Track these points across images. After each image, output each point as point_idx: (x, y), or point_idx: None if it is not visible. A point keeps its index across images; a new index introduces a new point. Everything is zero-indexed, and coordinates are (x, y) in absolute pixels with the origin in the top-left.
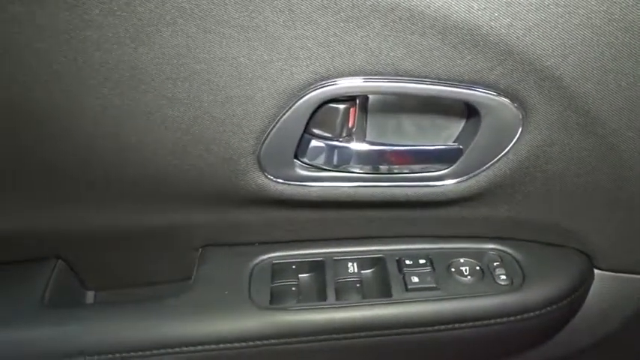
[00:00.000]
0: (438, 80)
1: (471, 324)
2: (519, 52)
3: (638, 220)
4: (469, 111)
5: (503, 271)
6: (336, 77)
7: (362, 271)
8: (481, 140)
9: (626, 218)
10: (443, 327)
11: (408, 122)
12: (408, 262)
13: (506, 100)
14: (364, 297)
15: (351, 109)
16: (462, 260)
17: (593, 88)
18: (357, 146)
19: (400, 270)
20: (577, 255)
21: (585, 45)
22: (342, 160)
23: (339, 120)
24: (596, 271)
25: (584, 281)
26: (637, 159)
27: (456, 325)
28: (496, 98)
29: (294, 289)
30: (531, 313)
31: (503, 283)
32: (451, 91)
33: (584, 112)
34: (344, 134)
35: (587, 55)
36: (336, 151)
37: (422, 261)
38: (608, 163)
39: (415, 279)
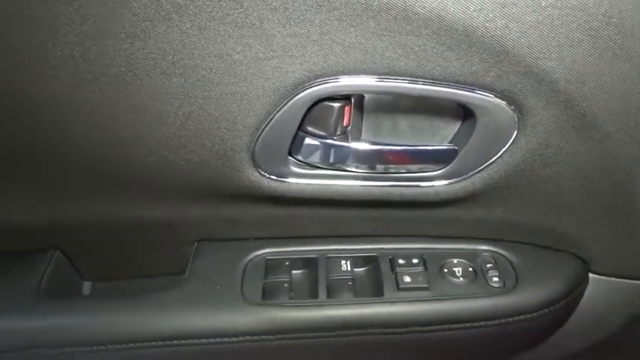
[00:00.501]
0: (433, 81)
1: (462, 325)
2: (515, 54)
3: (635, 225)
4: (465, 112)
5: (497, 273)
6: (331, 76)
7: (355, 270)
8: (476, 142)
9: (623, 224)
10: (433, 327)
11: (404, 122)
12: (401, 261)
13: (502, 102)
14: (356, 295)
15: (346, 108)
16: (455, 261)
17: (589, 91)
18: (352, 145)
19: (393, 269)
20: (572, 259)
21: (582, 48)
22: (336, 159)
23: (334, 118)
24: (591, 275)
25: (579, 285)
26: (633, 164)
27: (447, 326)
28: (492, 100)
29: (286, 285)
30: (523, 316)
31: (495, 285)
32: (446, 92)
33: (580, 116)
34: (339, 132)
35: (584, 59)
36: (330, 150)
37: (415, 261)
38: (605, 167)
39: (407, 279)
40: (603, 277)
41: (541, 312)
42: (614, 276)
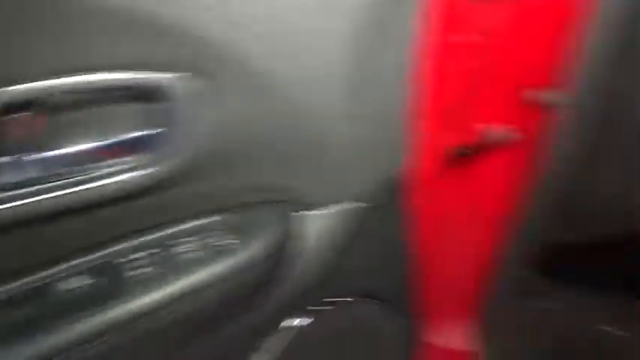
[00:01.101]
0: (118, 70)
1: (206, 295)
2: (195, 32)
3: (323, 162)
4: (157, 95)
5: (226, 239)
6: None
7: (89, 282)
8: (174, 122)
9: (314, 161)
10: (182, 306)
11: (94, 117)
12: (133, 256)
13: (190, 79)
14: (97, 305)
15: (29, 116)
16: (187, 239)
17: (269, 56)
18: (42, 155)
19: (128, 268)
20: (288, 205)
21: (262, 20)
22: (28, 174)
23: (14, 131)
24: (309, 213)
25: (298, 227)
26: (313, 117)
27: (194, 299)
28: (178, 79)
29: (19, 321)
30: (257, 269)
31: (228, 248)
32: (133, 79)
33: (265, 83)
34: (26, 145)
35: (265, 30)
36: (17, 166)
37: (147, 252)
38: (299, 124)
39: (145, 270)
40: (319, 212)
41: (271, 258)
42: (326, 207)
